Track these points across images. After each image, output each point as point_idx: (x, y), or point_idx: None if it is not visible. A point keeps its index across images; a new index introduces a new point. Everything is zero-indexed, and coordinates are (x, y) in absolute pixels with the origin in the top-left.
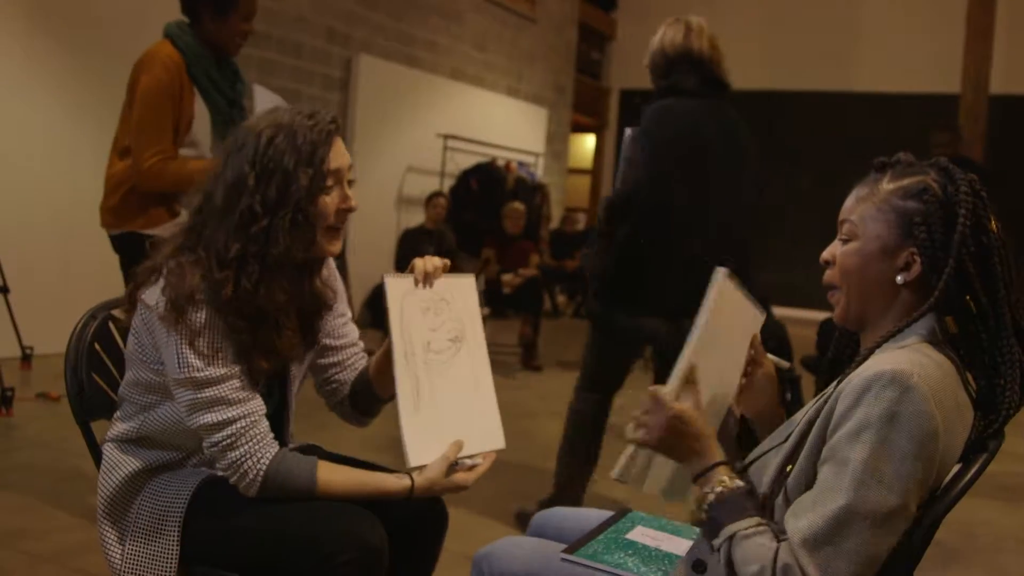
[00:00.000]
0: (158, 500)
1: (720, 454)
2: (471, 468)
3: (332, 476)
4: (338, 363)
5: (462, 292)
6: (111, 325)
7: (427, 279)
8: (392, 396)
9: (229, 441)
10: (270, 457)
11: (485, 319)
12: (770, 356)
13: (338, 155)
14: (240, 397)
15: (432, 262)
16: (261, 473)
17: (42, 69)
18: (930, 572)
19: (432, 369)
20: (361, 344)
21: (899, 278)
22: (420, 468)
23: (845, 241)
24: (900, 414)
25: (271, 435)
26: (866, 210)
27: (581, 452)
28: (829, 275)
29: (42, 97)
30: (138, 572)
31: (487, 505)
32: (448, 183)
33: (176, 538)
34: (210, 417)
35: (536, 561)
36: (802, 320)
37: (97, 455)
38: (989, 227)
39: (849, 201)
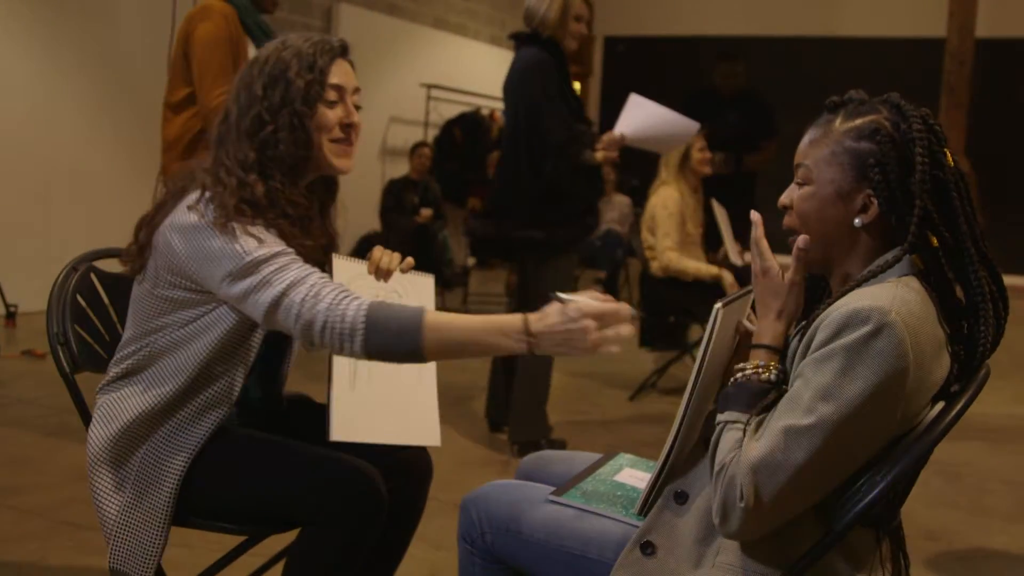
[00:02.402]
0: (160, 454)
1: (776, 338)
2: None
3: (440, 317)
4: None
5: (418, 289)
6: (93, 277)
7: (379, 273)
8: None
9: (314, 292)
10: (361, 300)
11: (472, 268)
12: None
13: (342, 72)
14: (303, 264)
15: (392, 258)
16: (364, 307)
17: (19, 26)
18: (916, 513)
19: None
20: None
21: (857, 220)
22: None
23: (801, 185)
24: (870, 349)
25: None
26: (820, 153)
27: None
28: (788, 220)
29: (19, 55)
30: (131, 524)
31: (475, 454)
32: (432, 133)
33: (173, 491)
34: (286, 280)
35: (524, 504)
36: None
37: (83, 408)
38: (945, 162)
39: (803, 144)
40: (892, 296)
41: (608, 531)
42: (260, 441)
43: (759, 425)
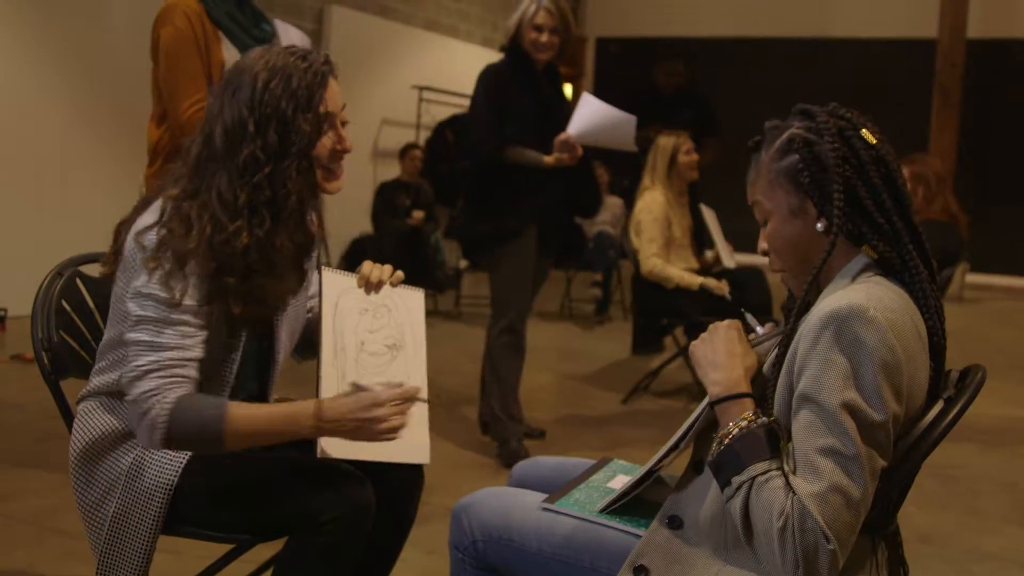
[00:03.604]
0: (145, 464)
1: (750, 389)
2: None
3: (239, 412)
4: (311, 308)
5: (407, 303)
6: (79, 282)
7: (368, 287)
8: None
9: (148, 368)
10: (178, 396)
11: (463, 271)
12: (748, 315)
13: (333, 96)
14: (188, 333)
15: (382, 271)
16: (165, 410)
17: (5, 27)
18: (909, 516)
19: (363, 368)
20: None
21: (819, 226)
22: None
23: (764, 224)
24: (862, 348)
25: (192, 385)
26: (762, 187)
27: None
28: (771, 261)
29: (6, 57)
30: (118, 535)
31: (468, 458)
32: (424, 135)
33: (163, 502)
34: (147, 336)
35: (516, 511)
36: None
37: (68, 415)
38: (859, 143)
39: (748, 189)
40: (866, 294)
41: (601, 539)
42: (247, 450)
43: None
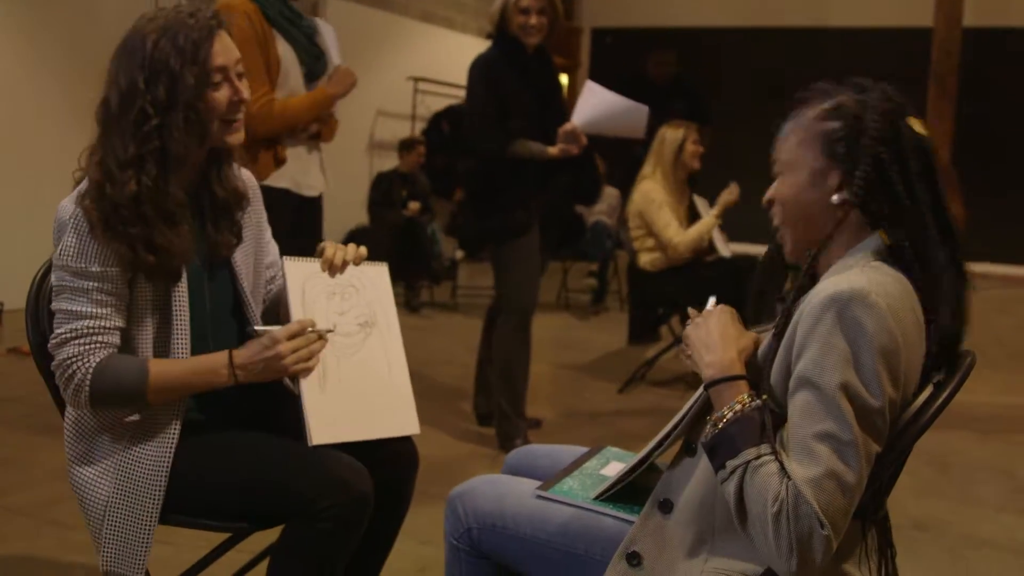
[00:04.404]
0: (141, 450)
1: (743, 371)
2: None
3: (159, 368)
4: (270, 279)
5: (373, 280)
6: None
7: (332, 269)
8: None
9: (69, 335)
10: (98, 360)
11: (460, 262)
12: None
13: (224, 50)
14: (101, 301)
15: (342, 253)
16: (88, 374)
17: (3, 24)
18: (904, 503)
19: (339, 351)
20: (278, 262)
21: (834, 198)
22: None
23: (778, 176)
24: (862, 332)
25: (112, 348)
26: (792, 143)
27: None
28: (773, 214)
29: (4, 53)
30: (118, 524)
31: (465, 448)
32: (420, 127)
33: (160, 488)
34: (65, 304)
35: (510, 498)
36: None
37: (63, 407)
38: (905, 129)
39: (777, 143)
40: (867, 278)
41: (595, 526)
42: (243, 438)
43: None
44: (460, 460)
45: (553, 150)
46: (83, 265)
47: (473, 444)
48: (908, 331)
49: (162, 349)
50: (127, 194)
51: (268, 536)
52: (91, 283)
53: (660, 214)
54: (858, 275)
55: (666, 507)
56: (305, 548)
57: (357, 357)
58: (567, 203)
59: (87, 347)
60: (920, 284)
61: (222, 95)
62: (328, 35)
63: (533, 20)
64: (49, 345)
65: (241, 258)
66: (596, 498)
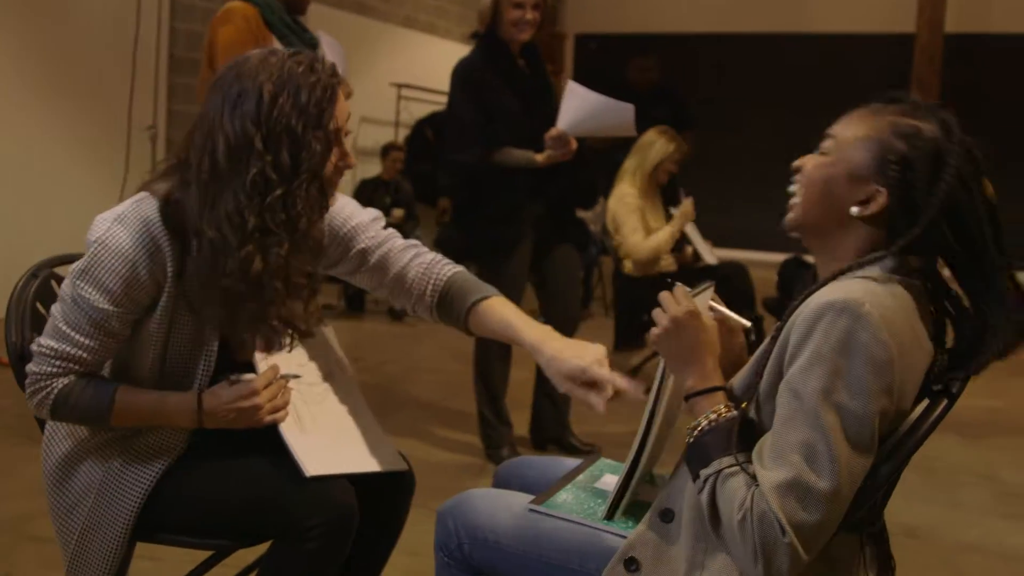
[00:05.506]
0: (124, 473)
1: (722, 380)
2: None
3: (129, 396)
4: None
5: (326, 336)
6: (54, 284)
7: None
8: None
9: (50, 353)
10: (71, 380)
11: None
12: (729, 314)
13: (341, 111)
14: (99, 339)
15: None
16: (53, 395)
17: None
18: (892, 509)
19: (307, 398)
20: (374, 213)
21: (854, 209)
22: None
23: (822, 155)
24: (853, 343)
25: (86, 376)
26: (853, 132)
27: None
28: (794, 180)
29: None
30: (89, 542)
31: (449, 458)
32: (403, 133)
33: (136, 508)
34: (61, 323)
35: (502, 513)
36: (763, 263)
37: (41, 419)
38: (974, 188)
39: (841, 120)
40: (864, 289)
41: (589, 541)
42: (230, 455)
43: (752, 458)
44: (446, 469)
45: (541, 157)
46: (101, 302)
47: (458, 453)
48: (903, 341)
49: (164, 376)
50: (256, 270)
51: (253, 551)
52: (98, 316)
53: (629, 218)
54: (853, 285)
55: (667, 516)
56: (292, 566)
57: (325, 404)
58: (567, 207)
59: (62, 368)
60: (942, 307)
61: (332, 158)
62: (332, 50)
63: (529, 15)
64: (32, 346)
65: None
66: (607, 518)
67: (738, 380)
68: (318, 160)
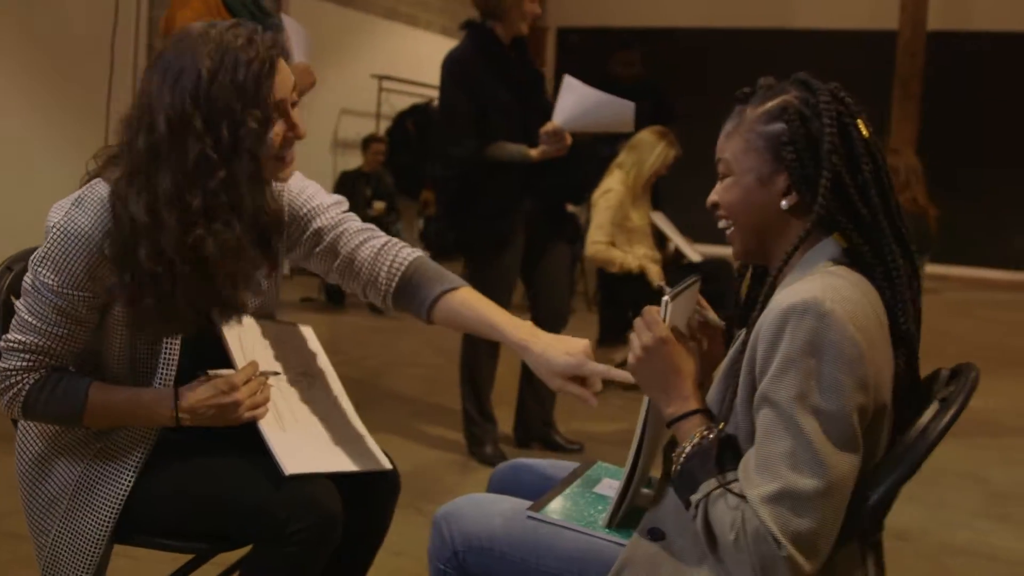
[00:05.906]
0: (101, 473)
1: (700, 402)
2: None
3: (101, 395)
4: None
5: (304, 336)
6: None
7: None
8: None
9: (18, 347)
10: (38, 378)
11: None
12: (711, 316)
13: (282, 83)
14: (58, 323)
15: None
16: (24, 391)
17: None
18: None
19: (287, 395)
20: (336, 198)
21: (783, 203)
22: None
23: (723, 178)
24: (821, 343)
25: (57, 370)
26: (735, 144)
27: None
28: (719, 217)
29: None
30: (64, 543)
31: (432, 455)
32: (384, 125)
33: (115, 510)
34: (25, 314)
35: (499, 520)
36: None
37: (16, 419)
38: (855, 133)
39: (720, 139)
40: (821, 286)
41: (588, 549)
42: (210, 455)
43: (739, 475)
44: (429, 466)
45: (534, 152)
46: (64, 287)
47: (440, 450)
48: (871, 334)
49: (132, 370)
50: (205, 253)
51: (236, 552)
52: (63, 302)
53: (601, 215)
54: (812, 284)
55: (655, 535)
56: (273, 568)
57: (308, 401)
58: (559, 202)
59: (32, 362)
60: (882, 286)
61: (276, 131)
62: (296, 34)
63: (537, 8)
64: (1, 342)
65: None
66: (608, 527)
67: (712, 394)
68: (255, 138)
